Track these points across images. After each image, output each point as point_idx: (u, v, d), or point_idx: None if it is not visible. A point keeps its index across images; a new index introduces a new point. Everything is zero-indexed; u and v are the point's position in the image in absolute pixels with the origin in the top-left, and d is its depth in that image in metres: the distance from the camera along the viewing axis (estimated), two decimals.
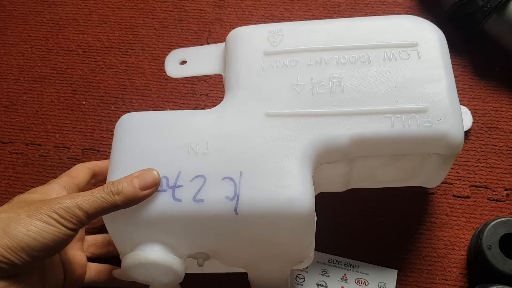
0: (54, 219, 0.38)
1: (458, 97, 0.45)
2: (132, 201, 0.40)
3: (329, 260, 0.53)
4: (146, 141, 0.44)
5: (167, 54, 0.65)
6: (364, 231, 0.55)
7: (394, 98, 0.44)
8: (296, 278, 0.52)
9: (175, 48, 0.66)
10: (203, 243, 0.43)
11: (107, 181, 0.42)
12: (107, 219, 0.42)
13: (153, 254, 0.41)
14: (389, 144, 0.44)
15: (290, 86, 0.45)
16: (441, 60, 0.45)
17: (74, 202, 0.39)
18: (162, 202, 0.41)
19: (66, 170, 0.59)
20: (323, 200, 0.47)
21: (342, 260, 0.53)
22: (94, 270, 0.50)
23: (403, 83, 0.44)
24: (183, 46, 0.67)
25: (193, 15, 0.69)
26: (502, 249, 0.49)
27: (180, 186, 0.41)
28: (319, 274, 0.52)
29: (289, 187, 0.40)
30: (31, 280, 0.41)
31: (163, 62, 0.65)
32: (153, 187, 0.41)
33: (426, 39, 0.46)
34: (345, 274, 0.52)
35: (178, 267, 0.42)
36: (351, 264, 0.53)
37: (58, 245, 0.39)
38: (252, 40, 0.48)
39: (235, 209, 0.40)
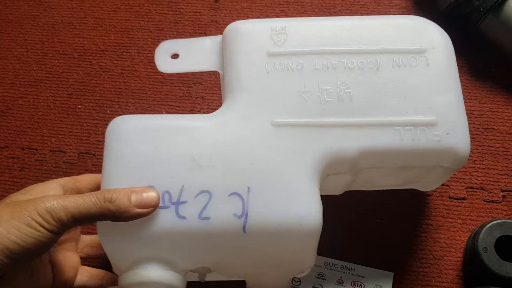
0: (36, 221, 0.36)
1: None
2: (122, 215, 0.38)
3: (325, 263, 0.53)
4: (143, 149, 0.41)
5: None
6: (360, 234, 0.55)
7: (403, 108, 0.43)
8: (292, 282, 0.52)
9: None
10: (206, 259, 0.42)
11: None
12: (102, 234, 0.40)
13: (153, 273, 0.40)
14: (397, 156, 0.43)
15: (297, 92, 0.43)
16: (449, 68, 0.45)
17: (60, 204, 0.37)
18: (165, 220, 0.39)
19: (62, 174, 0.60)
20: None
21: (338, 263, 0.53)
22: (86, 273, 0.48)
23: (412, 92, 0.43)
24: None
25: (188, 17, 0.68)
26: (498, 251, 0.49)
27: (184, 202, 0.39)
28: (315, 277, 0.52)
29: (299, 204, 0.39)
30: (17, 280, 0.40)
31: None
32: (150, 209, 0.39)
33: (434, 44, 0.45)
34: (341, 277, 0.52)
35: (179, 284, 0.41)
36: (347, 267, 0.52)
37: (39, 249, 0.37)
38: (253, 38, 0.46)
39: (244, 227, 0.39)
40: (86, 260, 0.50)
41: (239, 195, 0.39)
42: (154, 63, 0.65)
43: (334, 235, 0.54)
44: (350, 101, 0.43)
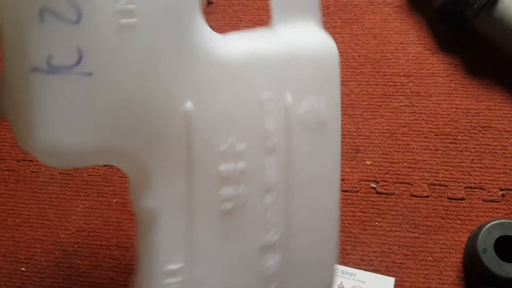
0: None
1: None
2: None
3: None
4: None
5: None
6: (360, 237, 0.55)
7: None
8: None
9: None
10: None
11: None
12: None
13: None
14: None
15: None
16: None
17: None
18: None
19: (58, 186, 0.60)
20: None
21: (338, 267, 0.53)
22: None
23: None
24: None
25: None
26: (497, 252, 0.49)
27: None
28: None
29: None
30: None
31: None
32: None
33: None
34: (342, 282, 0.52)
35: None
36: (348, 272, 0.52)
37: None
38: None
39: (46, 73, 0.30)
40: None
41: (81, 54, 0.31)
42: None
43: None
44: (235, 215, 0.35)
